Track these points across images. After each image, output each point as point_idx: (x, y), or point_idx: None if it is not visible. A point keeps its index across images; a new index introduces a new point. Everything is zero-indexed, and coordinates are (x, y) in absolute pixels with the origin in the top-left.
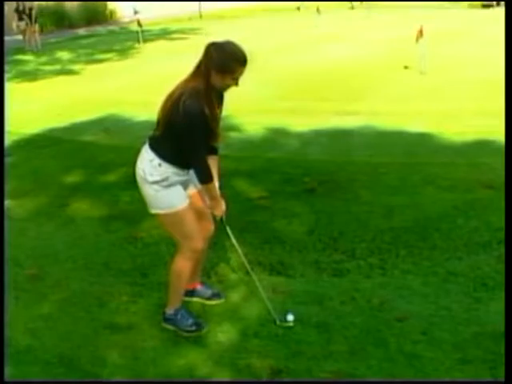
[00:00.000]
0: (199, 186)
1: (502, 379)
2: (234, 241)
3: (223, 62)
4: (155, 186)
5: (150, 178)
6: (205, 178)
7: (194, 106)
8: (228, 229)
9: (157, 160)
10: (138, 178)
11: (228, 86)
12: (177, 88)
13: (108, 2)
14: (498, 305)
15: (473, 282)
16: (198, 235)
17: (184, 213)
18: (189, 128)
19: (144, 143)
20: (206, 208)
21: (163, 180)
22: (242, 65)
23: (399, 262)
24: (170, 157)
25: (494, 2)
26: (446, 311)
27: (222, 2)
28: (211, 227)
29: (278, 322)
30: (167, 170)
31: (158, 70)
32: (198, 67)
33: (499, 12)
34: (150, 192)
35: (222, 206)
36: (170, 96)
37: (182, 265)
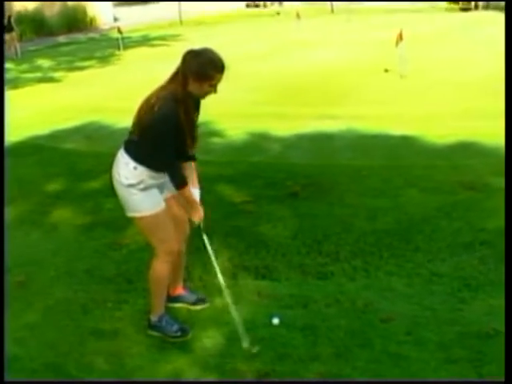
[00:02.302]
0: (173, 190)
1: (503, 379)
2: (209, 248)
3: (201, 70)
4: (131, 189)
5: (126, 181)
6: (179, 182)
7: (169, 111)
8: (205, 237)
9: (132, 163)
10: (114, 181)
11: (206, 94)
12: (153, 94)
13: (88, 10)
14: (482, 305)
15: (456, 283)
16: (173, 238)
17: (159, 216)
18: (162, 133)
19: (120, 147)
20: (182, 212)
21: (139, 183)
22: (219, 72)
23: (383, 264)
24: (145, 160)
25: (472, 5)
26: (431, 312)
27: (203, 8)
28: (187, 230)
29: (244, 346)
30: (142, 173)
31: (138, 77)
32: (176, 74)
33: (477, 15)
34: (125, 195)
35: (200, 211)
36: (147, 101)
37: (160, 269)
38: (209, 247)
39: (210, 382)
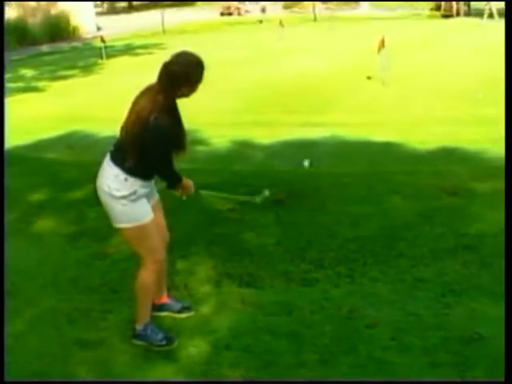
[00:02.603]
0: (156, 198)
1: (502, 379)
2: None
3: (191, 75)
4: (123, 201)
5: (118, 194)
6: (176, 181)
7: (164, 122)
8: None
9: (122, 175)
10: (102, 194)
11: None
12: (141, 103)
13: (71, 19)
14: (466, 309)
15: (440, 288)
16: (160, 247)
17: (149, 225)
18: (159, 143)
19: (105, 157)
20: (162, 219)
21: (131, 194)
22: (204, 68)
23: (367, 271)
24: (135, 170)
25: (454, 12)
26: (415, 317)
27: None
28: (168, 237)
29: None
30: (134, 183)
31: (121, 86)
32: (162, 83)
33: (459, 22)
34: (116, 207)
35: (190, 182)
36: (137, 112)
37: (147, 278)
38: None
39: (210, 382)
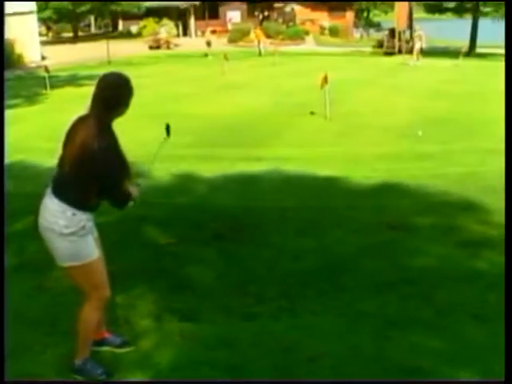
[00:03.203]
0: (96, 232)
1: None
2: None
3: (124, 96)
4: (72, 238)
5: (67, 231)
6: (129, 199)
7: (109, 146)
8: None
9: (70, 210)
10: (47, 232)
11: None
12: (80, 133)
13: (15, 47)
14: (406, 342)
15: (381, 321)
16: (105, 284)
17: (96, 263)
18: (110, 168)
19: (46, 194)
20: (101, 253)
21: (80, 229)
22: (132, 86)
23: (308, 304)
24: (83, 203)
25: (396, 50)
26: (356, 350)
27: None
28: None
29: None
30: (82, 217)
31: (65, 117)
32: (97, 109)
33: (401, 59)
34: (65, 245)
35: (134, 189)
36: (78, 143)
37: (90, 315)
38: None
39: (210, 382)
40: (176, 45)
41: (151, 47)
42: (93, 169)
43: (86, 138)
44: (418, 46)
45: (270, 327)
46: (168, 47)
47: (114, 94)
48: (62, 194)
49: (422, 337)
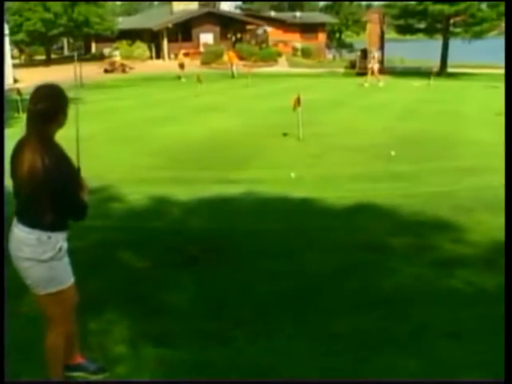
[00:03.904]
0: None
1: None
2: None
3: (61, 106)
4: (51, 263)
5: (45, 256)
6: (86, 210)
7: (55, 157)
8: None
9: (44, 234)
10: (26, 263)
11: None
12: (27, 157)
13: None
14: (382, 362)
15: (356, 342)
16: (72, 310)
17: (70, 288)
18: (67, 181)
19: (13, 225)
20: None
21: (58, 252)
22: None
23: (284, 327)
24: (55, 223)
25: (369, 71)
26: (332, 372)
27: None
28: (77, 297)
29: None
30: (57, 238)
31: None
32: (36, 125)
33: (374, 80)
34: (44, 271)
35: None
36: (29, 167)
37: (57, 341)
38: None
39: (209, 382)
40: (131, 68)
41: (106, 71)
42: (51, 186)
43: (33, 158)
44: (375, 67)
45: (246, 351)
46: (123, 71)
47: (49, 105)
48: (30, 220)
49: (396, 357)
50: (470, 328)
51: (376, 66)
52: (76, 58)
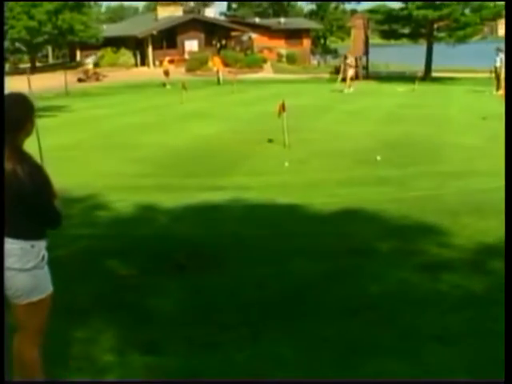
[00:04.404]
0: None
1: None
2: None
3: (28, 113)
4: (34, 271)
5: (28, 265)
6: (61, 217)
7: (29, 166)
8: None
9: (27, 243)
10: (9, 273)
11: None
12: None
13: None
14: (370, 368)
15: (344, 348)
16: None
17: (50, 296)
18: (39, 188)
19: None
20: None
21: (41, 260)
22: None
23: (271, 332)
24: (34, 231)
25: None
26: (319, 377)
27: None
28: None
29: None
30: (40, 246)
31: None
32: (5, 131)
33: (358, 85)
34: (28, 280)
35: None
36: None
37: (36, 351)
38: None
39: (210, 382)
40: (104, 76)
41: (80, 80)
42: (27, 196)
43: (7, 168)
44: (350, 73)
45: (234, 356)
46: (97, 79)
47: (16, 114)
48: (12, 231)
49: (384, 361)
50: (458, 331)
51: (350, 73)
52: (60, 65)
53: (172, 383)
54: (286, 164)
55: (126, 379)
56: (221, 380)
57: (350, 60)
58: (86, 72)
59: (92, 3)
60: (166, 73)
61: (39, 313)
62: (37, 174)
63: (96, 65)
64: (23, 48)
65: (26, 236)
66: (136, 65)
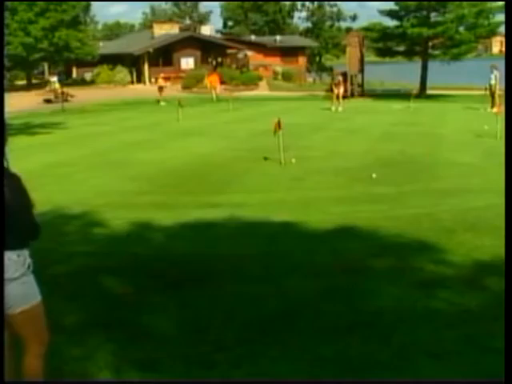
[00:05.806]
0: None
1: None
2: None
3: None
4: (22, 279)
5: (16, 274)
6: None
7: (6, 176)
8: None
9: (13, 253)
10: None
11: None
12: None
13: None
14: None
15: (340, 365)
16: (46, 327)
17: (41, 303)
18: (19, 200)
19: None
20: None
21: (28, 268)
22: None
23: (268, 350)
24: (18, 241)
25: (349, 93)
26: None
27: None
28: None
29: None
30: (25, 254)
31: (17, 166)
32: None
33: (354, 103)
34: (17, 288)
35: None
36: None
37: (38, 362)
38: None
39: (210, 382)
40: (72, 96)
41: (48, 100)
42: (9, 207)
43: None
44: (339, 91)
45: (231, 375)
46: (65, 100)
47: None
48: None
49: (380, 379)
50: (453, 348)
51: (340, 91)
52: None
53: (171, 383)
54: (293, 160)
55: (126, 379)
56: (221, 380)
57: (337, 80)
58: (54, 91)
59: (88, 20)
60: (160, 89)
61: (34, 319)
62: (16, 185)
63: (92, 82)
64: None
65: (11, 246)
66: (132, 82)
